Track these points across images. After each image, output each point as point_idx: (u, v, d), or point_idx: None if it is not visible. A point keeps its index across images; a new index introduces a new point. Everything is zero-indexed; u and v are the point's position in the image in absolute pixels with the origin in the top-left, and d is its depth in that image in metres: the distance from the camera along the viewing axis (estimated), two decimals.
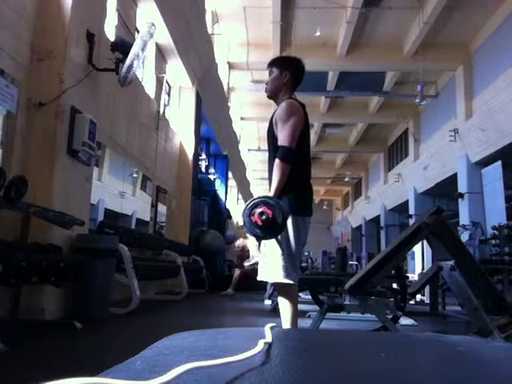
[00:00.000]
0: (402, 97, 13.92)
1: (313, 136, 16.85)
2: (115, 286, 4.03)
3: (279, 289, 2.19)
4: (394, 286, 4.13)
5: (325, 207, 30.54)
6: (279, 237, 2.07)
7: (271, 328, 0.77)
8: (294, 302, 2.14)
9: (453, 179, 10.93)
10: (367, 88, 13.01)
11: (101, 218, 5.29)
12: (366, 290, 3.29)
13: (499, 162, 8.75)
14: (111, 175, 5.98)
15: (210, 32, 9.49)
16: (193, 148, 8.91)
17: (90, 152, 3.92)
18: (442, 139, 11.70)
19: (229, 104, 12.94)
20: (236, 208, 17.23)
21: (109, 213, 5.60)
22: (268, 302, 6.01)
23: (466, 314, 3.13)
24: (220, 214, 12.64)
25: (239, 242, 9.07)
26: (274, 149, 2.18)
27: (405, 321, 4.30)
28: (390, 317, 3.50)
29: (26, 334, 2.91)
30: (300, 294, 4.89)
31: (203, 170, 12.11)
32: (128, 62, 3.90)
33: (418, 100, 11.10)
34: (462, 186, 10.42)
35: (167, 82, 8.34)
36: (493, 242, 7.97)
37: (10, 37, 3.37)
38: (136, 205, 6.85)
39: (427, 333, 3.85)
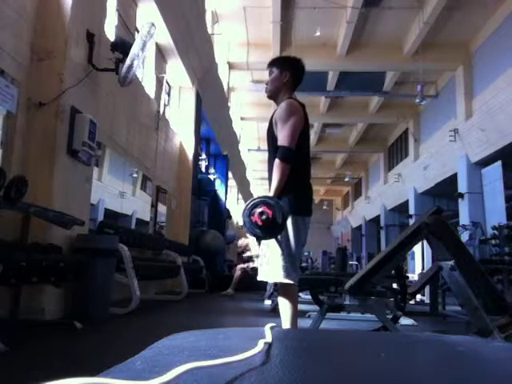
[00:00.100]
0: (402, 97, 13.92)
1: (313, 136, 16.85)
2: (115, 286, 4.03)
3: (279, 289, 2.19)
4: (394, 285, 4.13)
5: (325, 207, 30.54)
6: (279, 237, 2.07)
7: (271, 328, 0.77)
8: (294, 302, 2.14)
9: (453, 179, 10.93)
10: (367, 88, 13.01)
11: (101, 218, 5.29)
12: (366, 290, 3.29)
13: (499, 162, 8.75)
14: (111, 175, 5.98)
15: (210, 32, 9.49)
16: (193, 148, 8.91)
17: (90, 152, 3.92)
18: (442, 139, 11.70)
19: (229, 104, 12.94)
20: (236, 208, 17.22)
21: (109, 213, 5.60)
22: (268, 302, 6.01)
23: (466, 313, 3.13)
24: (220, 214, 12.64)
25: (241, 242, 9.09)
26: (273, 149, 2.18)
27: (405, 321, 4.30)
28: (390, 317, 3.49)
29: (26, 333, 2.91)
30: (300, 294, 4.89)
31: (203, 169, 12.11)
32: (128, 62, 3.91)
33: (418, 100, 11.10)
34: (462, 185, 10.42)
35: (167, 82, 8.34)
36: (493, 241, 7.97)
37: (10, 37, 3.37)
38: (136, 205, 6.85)
39: (427, 333, 3.85)
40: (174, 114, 8.61)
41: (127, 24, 5.98)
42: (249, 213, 1.93)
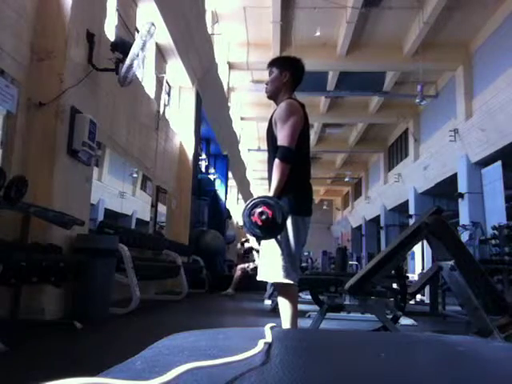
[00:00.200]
0: (402, 97, 13.92)
1: (313, 136, 16.85)
2: (115, 286, 4.03)
3: (279, 289, 2.19)
4: (394, 285, 4.13)
5: (325, 207, 30.54)
6: (279, 237, 2.07)
7: (271, 328, 0.77)
8: (294, 302, 2.14)
9: (453, 179, 10.93)
10: (367, 88, 13.01)
11: (101, 218, 5.29)
12: (366, 290, 3.29)
13: (499, 162, 8.75)
14: (111, 175, 5.98)
15: (210, 32, 9.49)
16: (193, 148, 8.91)
17: (90, 152, 3.92)
18: (442, 139, 11.70)
19: (229, 104, 12.94)
20: (236, 208, 17.22)
21: (109, 213, 5.60)
22: (268, 302, 6.01)
23: (466, 313, 3.13)
24: (220, 214, 12.64)
25: (247, 246, 9.07)
26: (273, 149, 2.17)
27: (405, 321, 4.30)
28: (390, 317, 3.49)
29: (26, 333, 2.91)
30: (300, 293, 4.89)
31: (203, 169, 12.11)
32: (128, 61, 3.91)
33: (418, 100, 11.10)
34: (462, 185, 10.42)
35: (167, 82, 8.34)
36: (493, 241, 7.97)
37: (10, 37, 3.37)
38: (136, 205, 6.85)
39: (427, 333, 3.85)
40: (174, 114, 8.61)
41: (127, 24, 5.98)
42: (249, 213, 1.93)
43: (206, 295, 7.76)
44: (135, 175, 6.76)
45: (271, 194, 2.05)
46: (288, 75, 2.28)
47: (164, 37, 7.06)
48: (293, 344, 0.81)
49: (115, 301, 4.10)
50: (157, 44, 7.31)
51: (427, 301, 6.85)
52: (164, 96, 8.08)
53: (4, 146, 3.37)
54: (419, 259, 11.89)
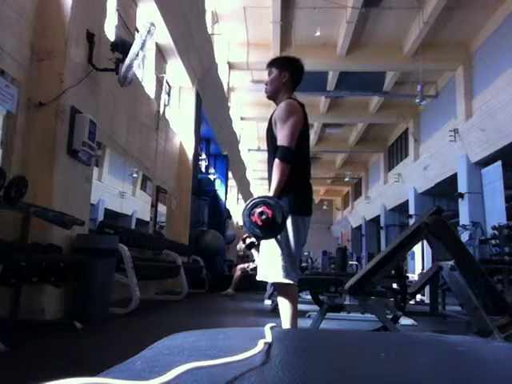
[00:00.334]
0: (402, 97, 13.92)
1: (313, 136, 16.85)
2: (115, 286, 4.03)
3: (279, 289, 2.19)
4: (394, 285, 4.13)
5: (325, 207, 30.54)
6: (279, 237, 2.07)
7: (271, 328, 0.77)
8: (294, 302, 2.14)
9: (453, 179, 10.93)
10: (367, 88, 13.01)
11: (101, 218, 5.29)
12: (366, 290, 3.29)
13: (499, 162, 8.75)
14: (111, 175, 5.98)
15: (210, 32, 9.49)
16: (193, 148, 8.91)
17: (90, 152, 3.92)
18: (442, 139, 11.70)
19: (229, 104, 12.94)
20: (236, 208, 17.22)
21: (109, 213, 5.60)
22: (268, 302, 6.01)
23: (466, 313, 3.13)
24: (220, 214, 12.64)
25: (249, 241, 9.06)
26: (273, 149, 2.17)
27: (405, 321, 4.30)
28: (390, 317, 3.49)
29: (26, 333, 2.91)
30: (300, 294, 4.89)
31: (203, 169, 12.11)
32: (127, 61, 3.91)
33: (418, 100, 11.10)
34: (462, 185, 10.42)
35: (167, 82, 8.34)
36: (493, 241, 7.97)
37: (10, 37, 3.37)
38: (136, 205, 6.85)
39: (427, 333, 3.85)
40: (174, 114, 8.61)
41: (127, 24, 5.98)
42: (249, 213, 1.92)
43: (205, 295, 7.75)
44: (135, 175, 6.76)
45: (271, 193, 2.05)
46: (287, 75, 2.28)
47: (164, 37, 7.06)
48: (293, 344, 0.81)
49: (115, 301, 4.10)
50: (157, 44, 7.31)
51: (427, 301, 6.85)
52: (164, 96, 8.08)
53: (4, 146, 3.37)
54: (419, 259, 11.89)
